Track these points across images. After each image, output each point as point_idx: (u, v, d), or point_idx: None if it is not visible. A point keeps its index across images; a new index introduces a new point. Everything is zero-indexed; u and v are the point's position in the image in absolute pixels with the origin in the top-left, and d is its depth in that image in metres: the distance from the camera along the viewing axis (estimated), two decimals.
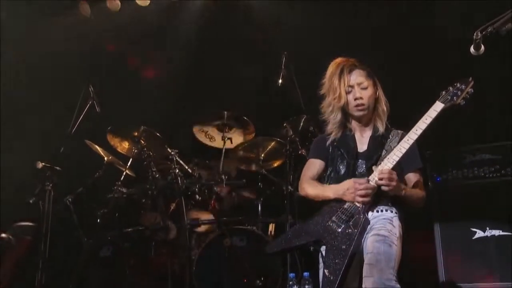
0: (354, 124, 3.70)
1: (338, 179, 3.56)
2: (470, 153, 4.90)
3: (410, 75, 6.00)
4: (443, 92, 3.35)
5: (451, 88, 3.33)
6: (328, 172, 3.67)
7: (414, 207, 3.53)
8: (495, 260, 4.53)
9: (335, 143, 3.68)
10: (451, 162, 4.94)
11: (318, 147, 3.79)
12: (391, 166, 3.33)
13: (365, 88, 3.59)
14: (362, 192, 3.33)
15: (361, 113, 3.61)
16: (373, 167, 3.40)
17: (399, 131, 3.61)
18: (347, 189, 3.38)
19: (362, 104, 3.59)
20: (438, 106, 3.31)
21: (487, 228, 4.61)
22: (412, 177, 3.59)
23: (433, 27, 5.93)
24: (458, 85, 3.32)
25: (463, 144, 5.06)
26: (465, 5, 5.55)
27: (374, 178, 3.35)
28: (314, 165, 3.74)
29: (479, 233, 4.62)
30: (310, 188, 3.64)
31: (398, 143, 3.42)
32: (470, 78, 3.34)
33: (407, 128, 3.42)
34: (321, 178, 3.72)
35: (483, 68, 4.29)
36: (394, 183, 3.31)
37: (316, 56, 6.35)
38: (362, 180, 3.36)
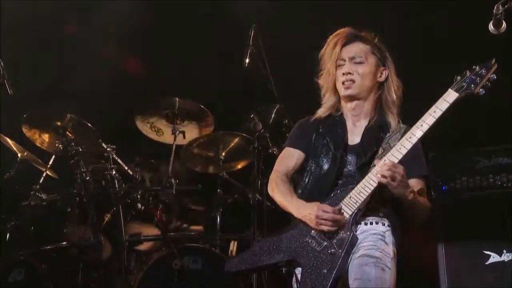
0: (346, 110, 3.61)
1: (320, 177, 3.47)
2: (484, 156, 4.83)
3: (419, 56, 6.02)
4: (458, 78, 3.19)
5: (468, 73, 3.18)
6: (309, 166, 3.56)
7: (417, 219, 3.45)
8: None
9: (320, 129, 3.60)
10: (460, 167, 4.88)
11: (299, 132, 3.71)
12: None
13: (360, 63, 3.51)
14: (327, 222, 3.24)
15: (348, 92, 3.50)
16: (375, 161, 3.28)
17: (401, 125, 3.49)
18: (309, 213, 3.32)
19: (351, 81, 3.49)
20: (450, 96, 3.16)
21: (504, 251, 4.56)
22: (414, 184, 3.42)
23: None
24: (477, 69, 3.17)
25: (475, 145, 5.03)
26: None
27: (371, 178, 3.24)
28: (291, 157, 3.65)
29: (494, 257, 4.57)
30: (278, 193, 3.55)
31: (400, 140, 3.31)
32: (493, 60, 3.17)
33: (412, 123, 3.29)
34: (301, 172, 3.62)
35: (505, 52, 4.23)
36: (399, 178, 3.16)
37: (293, 29, 6.28)
38: (329, 208, 3.26)
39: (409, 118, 3.41)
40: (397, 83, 3.57)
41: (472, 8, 5.49)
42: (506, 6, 2.90)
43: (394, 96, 3.54)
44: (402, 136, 3.35)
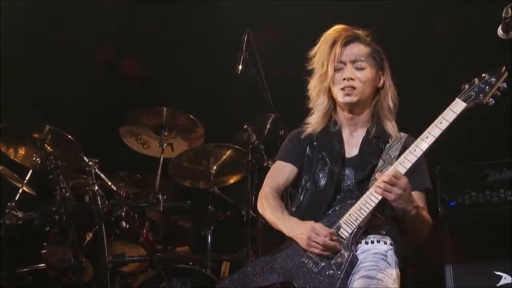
0: (342, 117, 3.57)
1: (317, 194, 3.44)
2: (494, 170, 4.87)
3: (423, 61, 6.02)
4: (466, 86, 3.16)
5: (476, 81, 3.15)
6: (304, 182, 3.53)
7: (418, 237, 3.41)
8: None
9: (314, 142, 3.56)
10: (469, 182, 4.92)
11: (291, 145, 3.69)
12: None
13: (361, 69, 3.46)
14: (318, 245, 3.21)
15: (348, 98, 3.44)
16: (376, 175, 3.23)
17: (401, 134, 3.48)
18: (301, 233, 3.28)
19: (352, 87, 3.43)
20: (458, 106, 3.12)
21: None
22: (415, 198, 3.33)
23: None
24: (487, 77, 3.14)
25: (485, 158, 5.01)
26: None
27: (372, 193, 3.19)
28: (283, 171, 3.63)
29: (506, 279, 4.60)
30: (268, 209, 3.52)
31: (400, 151, 3.29)
32: (503, 68, 3.14)
33: (416, 133, 3.24)
34: (296, 188, 3.60)
35: None
36: (398, 191, 3.10)
37: (290, 33, 6.28)
38: (322, 231, 3.22)
39: (413, 128, 3.38)
40: (393, 89, 3.55)
41: (480, 11, 5.52)
42: None
43: (391, 103, 3.51)
44: (402, 146, 3.35)
